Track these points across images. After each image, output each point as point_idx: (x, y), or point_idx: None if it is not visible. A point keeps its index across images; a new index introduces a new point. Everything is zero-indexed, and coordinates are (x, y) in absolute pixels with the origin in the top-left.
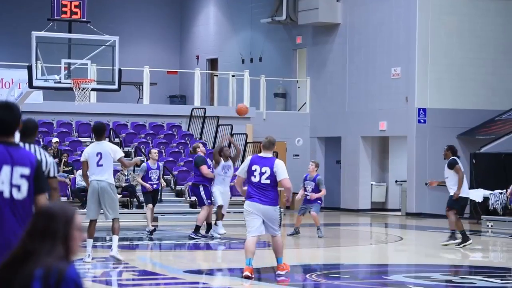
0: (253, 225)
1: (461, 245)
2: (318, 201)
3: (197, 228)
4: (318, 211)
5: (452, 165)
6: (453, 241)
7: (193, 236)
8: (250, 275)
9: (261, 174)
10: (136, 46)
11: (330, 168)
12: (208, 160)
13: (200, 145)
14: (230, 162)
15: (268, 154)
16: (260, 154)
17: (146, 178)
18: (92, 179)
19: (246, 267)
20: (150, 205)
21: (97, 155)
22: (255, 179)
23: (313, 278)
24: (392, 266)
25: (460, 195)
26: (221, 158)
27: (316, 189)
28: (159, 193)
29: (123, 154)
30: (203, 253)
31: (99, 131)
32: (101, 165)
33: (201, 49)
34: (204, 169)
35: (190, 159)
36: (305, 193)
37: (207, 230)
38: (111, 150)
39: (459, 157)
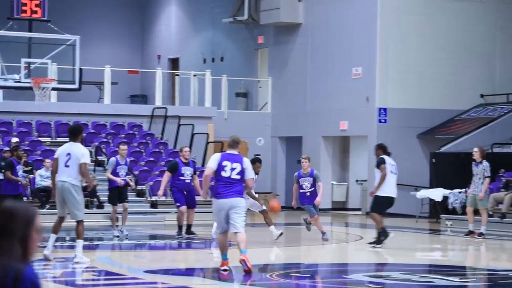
0: (221, 221)
1: (373, 245)
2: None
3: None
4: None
5: (378, 164)
6: (384, 238)
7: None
8: (227, 268)
9: (232, 169)
10: (97, 45)
11: (291, 167)
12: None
13: (184, 148)
14: None
15: (235, 152)
16: (228, 151)
17: (114, 173)
18: (57, 179)
19: (222, 262)
20: (116, 207)
21: (66, 156)
22: (225, 173)
23: (273, 277)
24: (352, 265)
25: (384, 194)
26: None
27: (314, 185)
28: (127, 189)
29: (88, 161)
30: (164, 253)
31: (73, 132)
32: (68, 166)
33: (163, 49)
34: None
35: (152, 158)
36: (302, 190)
37: (183, 231)
38: (80, 154)
39: (389, 154)
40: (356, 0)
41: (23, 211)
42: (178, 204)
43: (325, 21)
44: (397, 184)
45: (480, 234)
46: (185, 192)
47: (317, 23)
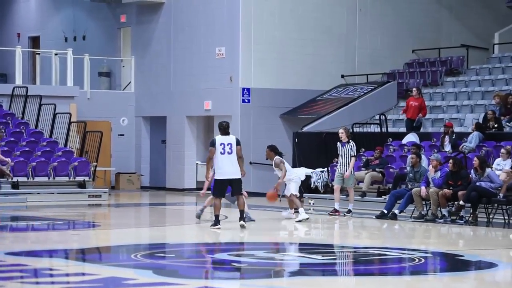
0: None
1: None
2: None
3: None
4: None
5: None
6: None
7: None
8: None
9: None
10: None
11: (156, 148)
12: None
13: None
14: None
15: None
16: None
17: None
18: None
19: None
20: None
21: None
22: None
23: (138, 257)
24: (217, 244)
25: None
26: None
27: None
28: None
29: None
30: (26, 234)
31: None
32: None
33: (22, 27)
34: None
35: (13, 139)
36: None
37: None
38: None
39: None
40: None
41: None
42: None
43: (188, 0)
44: (261, 164)
45: (349, 211)
46: None
47: (180, 2)
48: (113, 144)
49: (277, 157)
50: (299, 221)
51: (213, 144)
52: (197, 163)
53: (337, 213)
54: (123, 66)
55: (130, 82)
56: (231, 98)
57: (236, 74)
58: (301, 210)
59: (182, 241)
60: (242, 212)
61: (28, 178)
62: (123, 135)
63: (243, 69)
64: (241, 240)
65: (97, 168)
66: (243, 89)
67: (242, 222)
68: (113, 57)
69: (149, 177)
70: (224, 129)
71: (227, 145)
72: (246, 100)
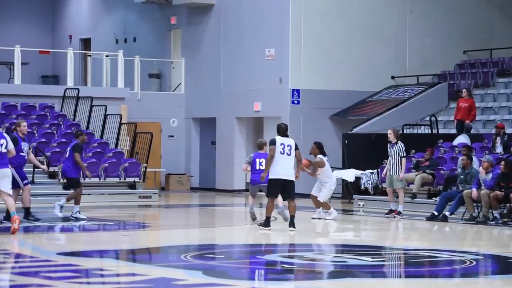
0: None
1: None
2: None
3: None
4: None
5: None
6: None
7: None
8: None
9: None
10: (7, 24)
11: (205, 149)
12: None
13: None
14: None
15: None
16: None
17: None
18: None
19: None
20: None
21: None
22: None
23: (187, 258)
24: (267, 246)
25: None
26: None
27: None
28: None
29: None
30: (77, 235)
31: None
32: None
33: (74, 29)
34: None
35: (64, 140)
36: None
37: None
38: None
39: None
40: None
41: None
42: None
43: (237, 2)
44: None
45: (399, 213)
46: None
47: (230, 4)
48: (163, 145)
49: (319, 156)
50: (313, 218)
51: (273, 142)
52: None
53: (393, 213)
54: (173, 68)
55: (180, 84)
56: (280, 99)
57: (286, 75)
58: (318, 210)
59: (231, 242)
60: (293, 217)
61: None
62: (173, 136)
63: (293, 71)
64: (291, 242)
65: (147, 169)
66: (293, 90)
67: (292, 228)
68: (163, 59)
69: (199, 178)
70: (283, 131)
71: (287, 146)
72: (296, 102)
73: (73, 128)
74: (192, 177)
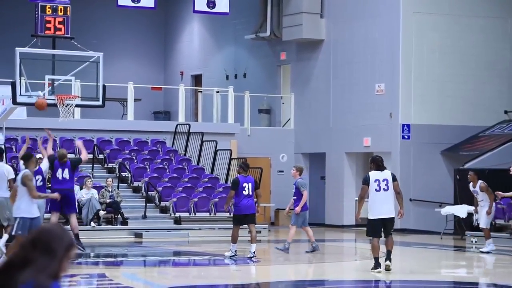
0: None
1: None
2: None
3: None
4: (297, 223)
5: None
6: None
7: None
8: None
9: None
10: (120, 62)
11: (315, 184)
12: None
13: None
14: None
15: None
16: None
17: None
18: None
19: None
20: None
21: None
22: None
23: None
24: (376, 282)
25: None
26: None
27: (297, 192)
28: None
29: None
30: (188, 269)
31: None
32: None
33: (185, 65)
34: None
35: (175, 175)
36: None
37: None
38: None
39: (382, 168)
40: (378, 16)
41: (67, 233)
42: None
43: (347, 37)
44: (422, 201)
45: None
46: None
47: (340, 39)
48: (272, 180)
49: (482, 181)
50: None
51: (366, 181)
52: (356, 200)
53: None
54: (283, 103)
55: (289, 119)
56: (390, 134)
57: (396, 110)
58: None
59: (341, 278)
60: (389, 252)
61: (190, 214)
62: (282, 171)
63: (403, 105)
64: (400, 278)
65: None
66: (403, 125)
67: (388, 263)
68: (273, 94)
69: (308, 214)
70: (379, 164)
71: (383, 181)
72: (406, 137)
73: (183, 163)
74: None
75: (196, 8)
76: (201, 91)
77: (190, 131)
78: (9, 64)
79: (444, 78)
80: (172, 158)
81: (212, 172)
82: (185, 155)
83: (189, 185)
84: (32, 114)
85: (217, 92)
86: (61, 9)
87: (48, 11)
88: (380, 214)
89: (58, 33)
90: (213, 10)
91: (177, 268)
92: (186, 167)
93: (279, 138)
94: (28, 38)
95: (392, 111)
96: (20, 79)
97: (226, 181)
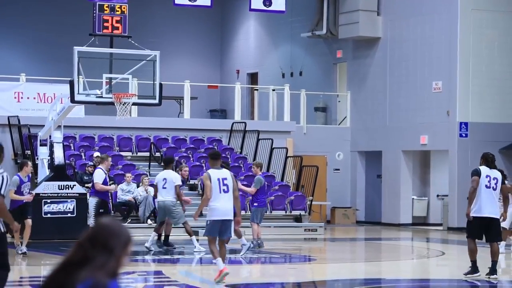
0: None
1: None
2: (254, 205)
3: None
4: (253, 219)
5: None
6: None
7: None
8: None
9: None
10: (177, 60)
11: (371, 182)
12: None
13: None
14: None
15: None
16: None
17: (17, 192)
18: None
19: None
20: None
21: (163, 180)
22: None
23: None
24: (434, 281)
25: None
26: None
27: (262, 189)
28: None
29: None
30: (245, 267)
31: (167, 161)
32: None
33: (242, 64)
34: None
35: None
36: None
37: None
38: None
39: (492, 166)
40: (436, 13)
41: (124, 229)
42: None
43: (404, 35)
44: None
45: None
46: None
47: (396, 37)
48: (328, 178)
49: None
50: None
51: (478, 173)
52: (412, 198)
53: None
54: (339, 101)
55: (345, 117)
56: (448, 132)
57: (454, 108)
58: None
59: (398, 277)
60: (495, 263)
61: (245, 212)
62: (338, 169)
63: (461, 103)
64: (458, 277)
65: (313, 203)
66: (461, 123)
67: (494, 276)
68: (329, 92)
69: (365, 212)
70: (489, 161)
71: (493, 179)
72: (464, 135)
73: (240, 161)
74: (358, 210)
75: (253, 6)
76: (257, 89)
77: (246, 129)
78: (67, 63)
79: (502, 76)
80: (228, 156)
81: (268, 170)
82: (241, 153)
83: (245, 183)
84: (90, 112)
85: (273, 90)
86: (118, 8)
87: (106, 10)
88: (482, 212)
89: (115, 32)
90: (269, 8)
91: (233, 266)
92: (242, 165)
93: (335, 136)
94: (86, 37)
95: (449, 109)
96: (78, 78)
97: (282, 179)
